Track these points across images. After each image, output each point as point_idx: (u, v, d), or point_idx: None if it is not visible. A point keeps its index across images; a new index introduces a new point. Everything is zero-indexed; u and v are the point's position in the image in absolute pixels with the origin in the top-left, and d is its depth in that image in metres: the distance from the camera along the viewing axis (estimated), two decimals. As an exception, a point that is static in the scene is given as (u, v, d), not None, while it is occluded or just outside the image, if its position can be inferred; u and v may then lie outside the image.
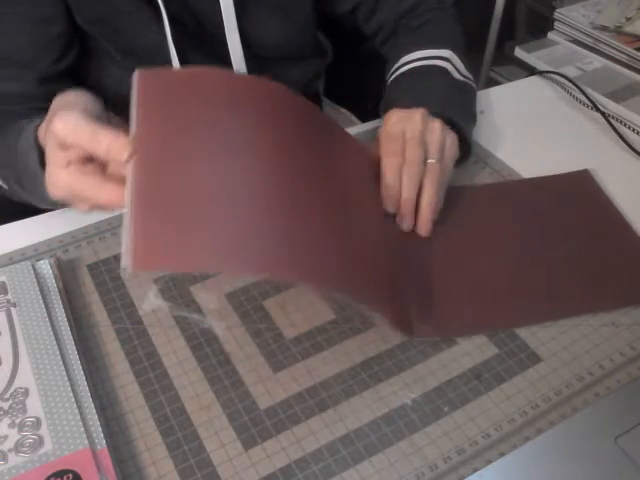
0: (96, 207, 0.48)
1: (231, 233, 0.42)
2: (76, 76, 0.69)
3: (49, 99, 0.54)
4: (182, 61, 0.67)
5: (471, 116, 0.70)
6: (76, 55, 0.67)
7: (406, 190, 0.59)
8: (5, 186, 0.63)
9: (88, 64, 0.70)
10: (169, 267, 0.43)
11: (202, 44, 0.70)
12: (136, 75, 0.46)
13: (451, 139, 0.63)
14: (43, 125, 0.52)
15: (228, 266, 0.43)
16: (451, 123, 0.64)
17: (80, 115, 0.46)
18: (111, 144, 0.44)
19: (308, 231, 0.46)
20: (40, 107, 0.58)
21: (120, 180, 0.44)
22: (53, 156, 0.48)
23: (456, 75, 0.70)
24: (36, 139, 0.54)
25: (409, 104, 0.64)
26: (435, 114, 0.63)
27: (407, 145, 0.60)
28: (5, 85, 0.63)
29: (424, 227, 0.60)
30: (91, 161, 0.46)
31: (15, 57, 0.63)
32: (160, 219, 0.41)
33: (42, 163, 0.52)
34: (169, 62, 0.67)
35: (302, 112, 0.54)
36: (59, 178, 0.47)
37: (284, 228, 0.45)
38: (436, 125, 0.61)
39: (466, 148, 0.67)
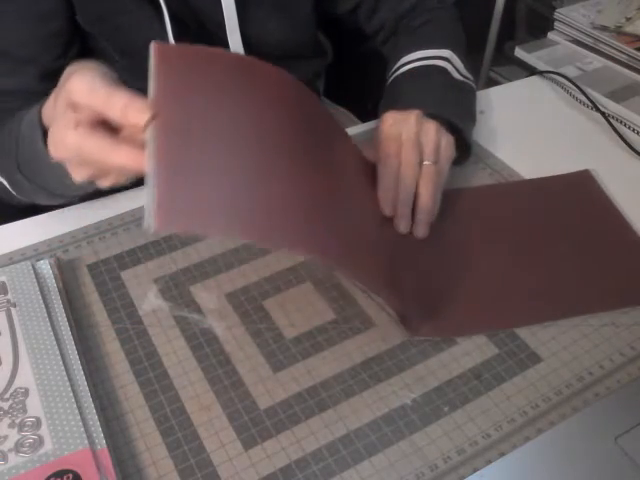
0: (100, 174, 0.47)
1: (251, 203, 0.43)
2: None
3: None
4: None
5: (470, 116, 0.70)
6: (77, 53, 0.67)
7: (402, 193, 0.59)
8: (6, 182, 0.61)
9: None
10: (191, 228, 0.42)
11: (203, 43, 0.70)
12: (153, 47, 0.46)
13: (446, 140, 0.63)
14: (49, 101, 0.50)
15: (251, 235, 0.43)
16: (449, 124, 0.64)
17: (97, 77, 0.44)
18: (128, 106, 0.42)
19: (315, 214, 0.47)
20: None
21: (134, 144, 0.43)
22: (61, 115, 0.46)
23: (455, 75, 0.70)
24: (40, 120, 0.52)
25: (407, 105, 0.64)
26: (432, 115, 0.63)
27: (402, 147, 0.60)
28: (5, 81, 0.63)
29: (421, 229, 0.60)
30: (102, 126, 0.45)
31: (15, 52, 0.62)
32: (184, 181, 0.41)
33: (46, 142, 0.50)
34: None
35: (307, 105, 0.55)
36: (66, 138, 0.45)
37: (297, 206, 0.46)
38: (431, 127, 0.61)
39: (465, 148, 0.67)
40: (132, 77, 0.47)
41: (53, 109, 0.48)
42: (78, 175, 0.48)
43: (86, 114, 0.44)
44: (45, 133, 0.50)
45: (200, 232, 0.44)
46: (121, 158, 0.43)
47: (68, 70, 0.48)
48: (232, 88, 0.48)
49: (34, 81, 0.64)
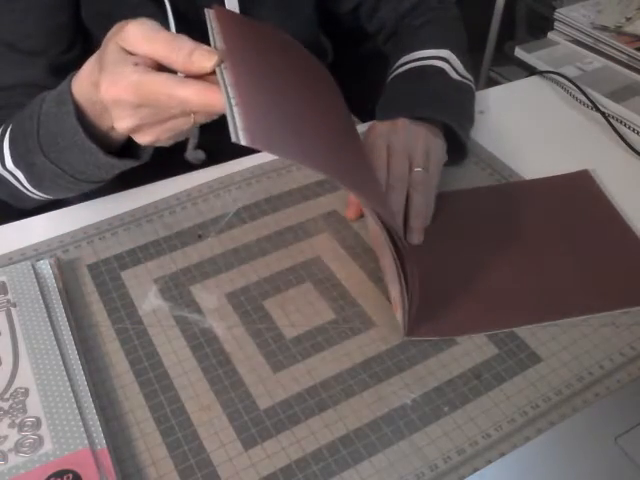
0: (148, 122, 0.45)
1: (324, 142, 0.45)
2: None
3: None
4: None
5: (467, 117, 0.70)
6: (81, 49, 0.67)
7: (393, 204, 0.59)
8: (22, 175, 0.58)
9: None
10: (272, 149, 0.42)
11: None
12: (210, 11, 0.46)
13: (436, 144, 0.62)
14: (86, 67, 0.48)
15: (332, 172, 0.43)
16: (443, 125, 0.64)
17: (154, 25, 0.43)
18: (196, 49, 0.42)
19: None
20: None
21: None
22: (115, 60, 0.44)
23: (453, 75, 0.70)
24: (70, 92, 0.50)
25: (402, 106, 0.64)
26: (425, 117, 0.63)
27: (391, 158, 0.60)
28: (14, 74, 0.63)
29: (415, 236, 0.60)
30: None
31: (22, 45, 0.62)
32: (261, 109, 0.41)
33: (79, 118, 0.49)
34: None
35: (326, 80, 0.56)
36: (124, 75, 0.43)
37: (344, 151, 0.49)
38: (419, 132, 0.61)
39: (461, 148, 0.67)
40: None
41: (98, 62, 0.46)
42: (124, 122, 0.46)
43: (142, 59, 0.43)
44: (77, 107, 0.49)
45: (278, 155, 0.45)
46: (187, 90, 0.42)
47: (117, 25, 0.46)
48: (276, 46, 0.50)
49: (42, 74, 0.63)
